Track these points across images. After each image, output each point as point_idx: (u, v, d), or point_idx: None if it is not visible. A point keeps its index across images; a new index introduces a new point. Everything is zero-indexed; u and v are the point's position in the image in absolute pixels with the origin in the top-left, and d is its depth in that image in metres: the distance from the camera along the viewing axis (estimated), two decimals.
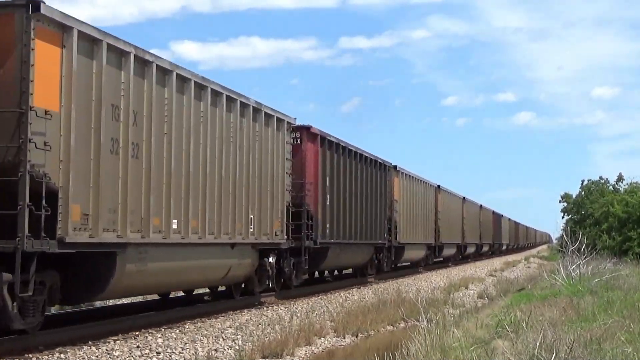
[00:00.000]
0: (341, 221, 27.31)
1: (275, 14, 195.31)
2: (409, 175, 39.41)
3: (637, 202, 48.11)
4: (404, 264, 41.87)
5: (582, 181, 68.56)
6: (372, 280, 33.21)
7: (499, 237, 79.23)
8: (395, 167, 36.21)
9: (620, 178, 60.92)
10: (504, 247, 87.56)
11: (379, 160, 33.13)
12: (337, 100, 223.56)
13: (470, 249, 61.50)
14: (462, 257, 57.89)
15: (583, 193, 67.17)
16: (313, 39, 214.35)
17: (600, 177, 66.39)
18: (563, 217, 72.51)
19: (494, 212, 75.92)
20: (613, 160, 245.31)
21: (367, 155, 31.00)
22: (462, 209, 56.62)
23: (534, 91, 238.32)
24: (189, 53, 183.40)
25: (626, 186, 56.93)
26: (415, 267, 43.59)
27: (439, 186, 48.02)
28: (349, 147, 28.47)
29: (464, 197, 58.70)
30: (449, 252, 51.23)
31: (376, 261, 33.89)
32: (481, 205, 66.36)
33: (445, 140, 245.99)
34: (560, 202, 73.00)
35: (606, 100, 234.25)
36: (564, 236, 38.08)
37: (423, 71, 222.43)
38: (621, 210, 48.60)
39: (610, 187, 62.62)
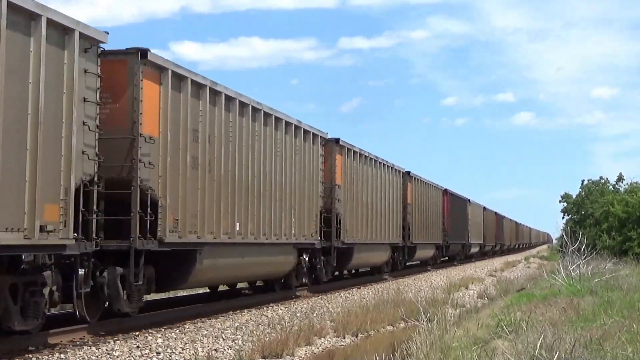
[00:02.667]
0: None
1: (275, 15, 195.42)
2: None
3: (637, 202, 48.06)
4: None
5: (582, 181, 68.52)
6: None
7: (463, 234, 54.78)
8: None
9: (620, 178, 60.93)
10: (474, 250, 60.74)
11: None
12: (337, 100, 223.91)
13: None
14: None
15: (583, 193, 67.09)
16: (313, 39, 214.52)
17: (600, 177, 66.36)
18: (563, 217, 72.47)
19: (451, 194, 51.06)
20: (613, 160, 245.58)
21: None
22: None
23: (534, 91, 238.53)
24: (189, 53, 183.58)
25: (626, 186, 56.90)
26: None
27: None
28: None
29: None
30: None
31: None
32: (420, 178, 42.04)
33: (445, 140, 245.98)
34: (560, 202, 72.98)
35: (606, 101, 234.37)
36: (564, 236, 38.05)
37: (423, 71, 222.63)
38: (621, 210, 48.56)
39: (610, 187, 62.56)
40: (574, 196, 69.67)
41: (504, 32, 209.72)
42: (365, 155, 30.60)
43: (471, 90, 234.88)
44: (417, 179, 40.93)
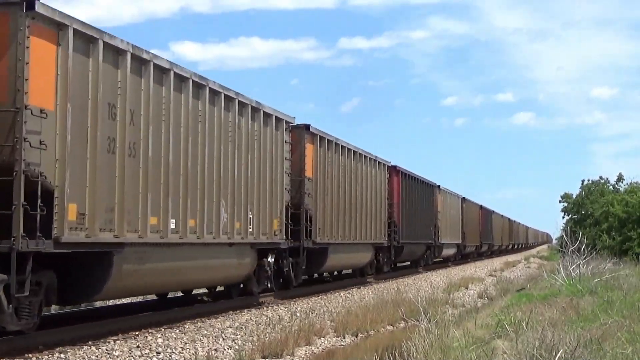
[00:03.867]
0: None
1: (275, 15, 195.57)
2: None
3: (637, 202, 48.11)
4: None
5: (582, 181, 68.55)
6: (371, 280, 32.21)
7: (428, 231, 41.73)
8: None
9: (620, 178, 61.01)
10: (449, 252, 49.49)
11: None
12: (337, 100, 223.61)
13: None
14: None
15: (583, 193, 67.11)
16: (313, 39, 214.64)
17: (600, 177, 66.38)
18: (563, 217, 72.52)
19: (404, 174, 36.76)
20: (613, 160, 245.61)
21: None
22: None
23: (534, 91, 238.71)
24: (189, 53, 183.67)
25: (626, 186, 56.96)
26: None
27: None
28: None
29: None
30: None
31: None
32: (336, 141, 26.97)
33: (445, 140, 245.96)
34: (560, 202, 73.02)
35: (605, 101, 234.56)
36: (564, 236, 38.04)
37: (423, 71, 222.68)
38: (621, 210, 48.60)
39: (610, 187, 62.61)
40: (574, 196, 69.70)
41: (504, 32, 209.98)
42: (342, 145, 27.33)
43: (471, 90, 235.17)
44: (330, 141, 25.96)
